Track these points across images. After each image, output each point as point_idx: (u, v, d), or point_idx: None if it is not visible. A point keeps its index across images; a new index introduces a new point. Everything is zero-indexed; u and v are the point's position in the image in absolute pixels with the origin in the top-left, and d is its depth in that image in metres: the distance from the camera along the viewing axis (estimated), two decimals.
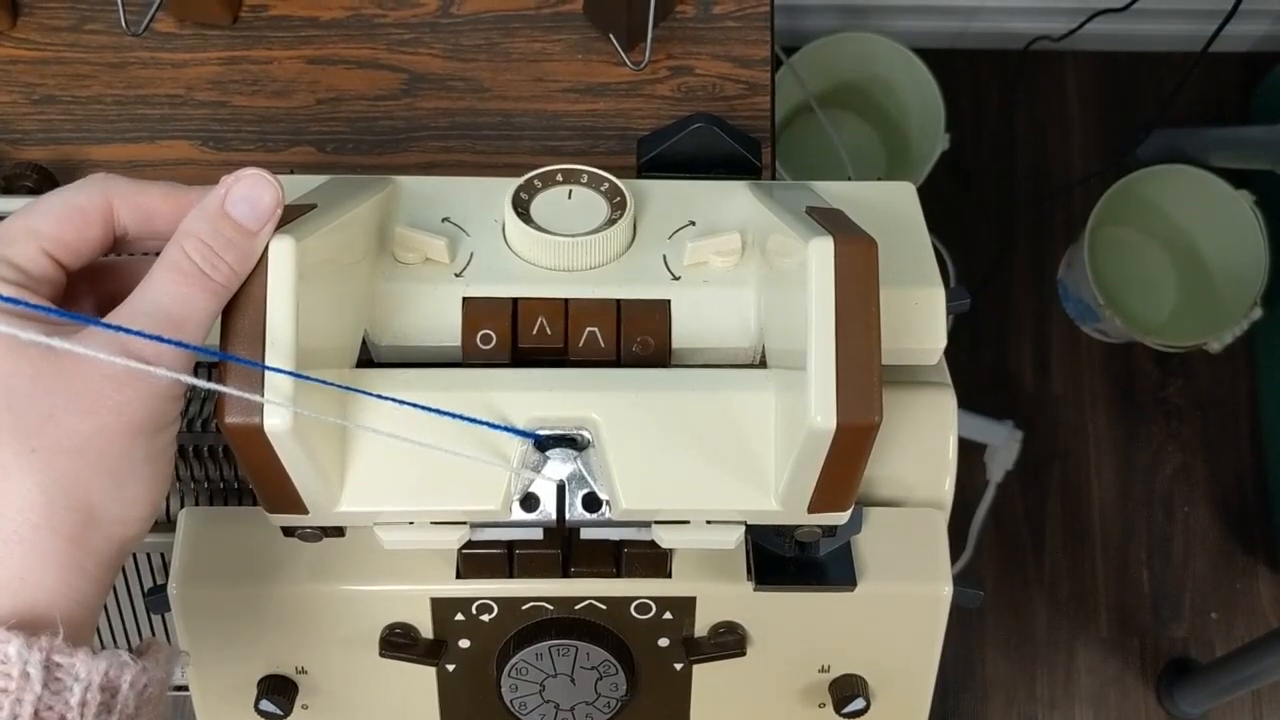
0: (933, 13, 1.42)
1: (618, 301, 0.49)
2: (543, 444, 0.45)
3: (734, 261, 0.50)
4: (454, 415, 0.42)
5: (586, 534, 0.46)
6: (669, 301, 0.49)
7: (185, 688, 0.52)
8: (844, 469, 0.41)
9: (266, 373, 0.38)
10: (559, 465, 0.45)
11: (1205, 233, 1.38)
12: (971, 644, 1.39)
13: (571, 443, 0.45)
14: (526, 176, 0.52)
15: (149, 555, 0.51)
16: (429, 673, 0.50)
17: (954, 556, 1.38)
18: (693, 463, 0.44)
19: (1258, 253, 1.30)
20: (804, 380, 0.39)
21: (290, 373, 0.38)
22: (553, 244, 0.49)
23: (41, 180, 0.57)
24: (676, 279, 0.50)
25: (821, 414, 0.39)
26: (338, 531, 0.46)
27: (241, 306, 0.39)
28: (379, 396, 0.42)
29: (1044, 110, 1.52)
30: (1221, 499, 1.43)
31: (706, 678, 0.50)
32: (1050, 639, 1.39)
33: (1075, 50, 1.50)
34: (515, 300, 0.49)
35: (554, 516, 0.45)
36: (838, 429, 0.39)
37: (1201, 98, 1.51)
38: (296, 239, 0.40)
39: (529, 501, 0.45)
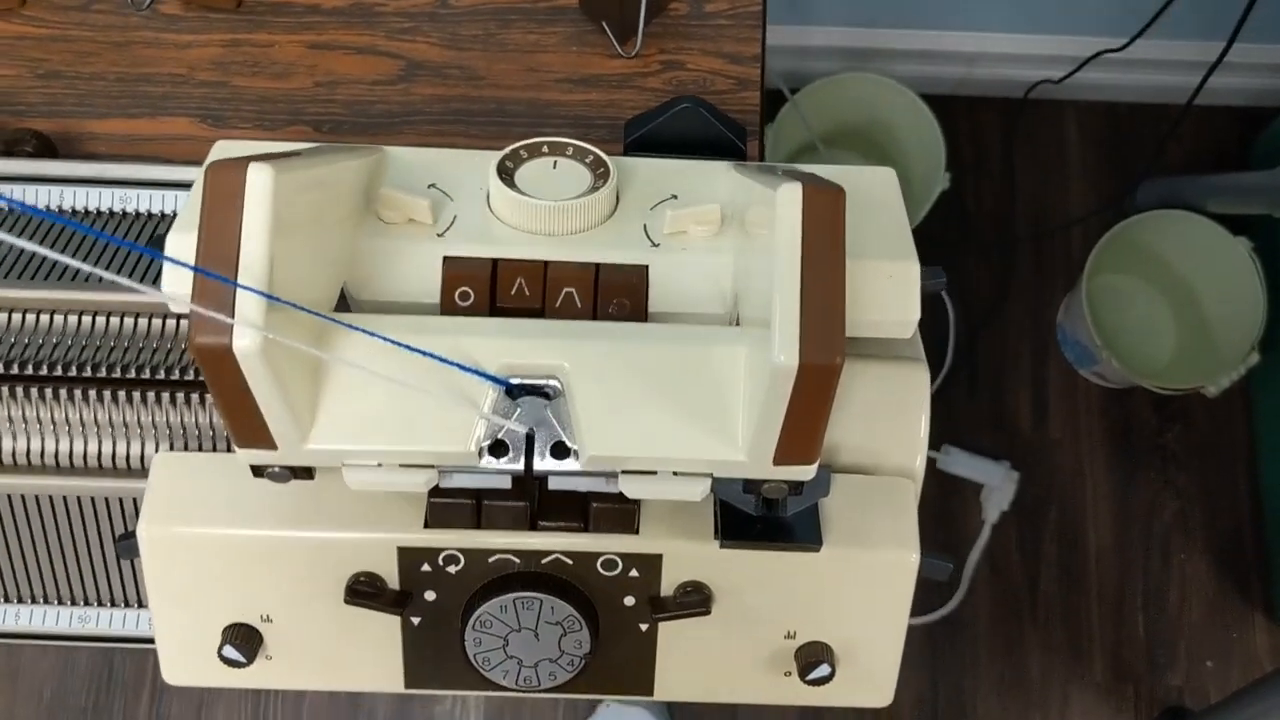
0: (935, 58, 1.44)
1: (596, 265, 0.50)
2: (513, 392, 0.45)
3: (713, 232, 0.51)
4: (426, 354, 0.43)
5: (555, 484, 0.47)
6: (647, 267, 0.50)
7: (150, 640, 0.52)
8: (808, 415, 0.42)
9: (238, 295, 0.39)
10: (529, 414, 0.45)
11: (1203, 279, 1.39)
12: (964, 685, 1.38)
13: (542, 393, 0.46)
14: (513, 146, 0.53)
15: (121, 501, 0.51)
16: (394, 627, 0.50)
17: (947, 596, 1.38)
18: (660, 412, 0.44)
19: (1255, 299, 1.31)
20: (769, 323, 0.40)
21: (260, 292, 0.39)
22: (535, 208, 0.50)
23: (41, 146, 0.59)
24: (656, 246, 0.51)
25: (785, 353, 0.39)
26: (307, 473, 0.46)
27: (215, 231, 0.40)
28: (351, 327, 0.42)
29: (1044, 157, 1.53)
30: (1218, 547, 1.42)
31: (672, 640, 0.50)
32: (1044, 683, 1.38)
33: (1076, 100, 1.52)
34: (495, 261, 0.50)
35: (522, 465, 0.46)
36: (800, 369, 0.39)
37: (1199, 150, 1.52)
38: (276, 171, 0.41)
39: (498, 449, 0.45)
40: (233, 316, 0.38)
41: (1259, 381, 1.40)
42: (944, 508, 1.44)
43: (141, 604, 0.54)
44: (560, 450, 0.46)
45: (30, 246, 0.38)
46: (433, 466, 0.45)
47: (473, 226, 0.51)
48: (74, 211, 0.56)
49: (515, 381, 0.45)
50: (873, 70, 1.39)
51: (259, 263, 0.39)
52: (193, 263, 0.40)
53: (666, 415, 0.44)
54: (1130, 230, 1.35)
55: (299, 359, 0.43)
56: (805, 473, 0.45)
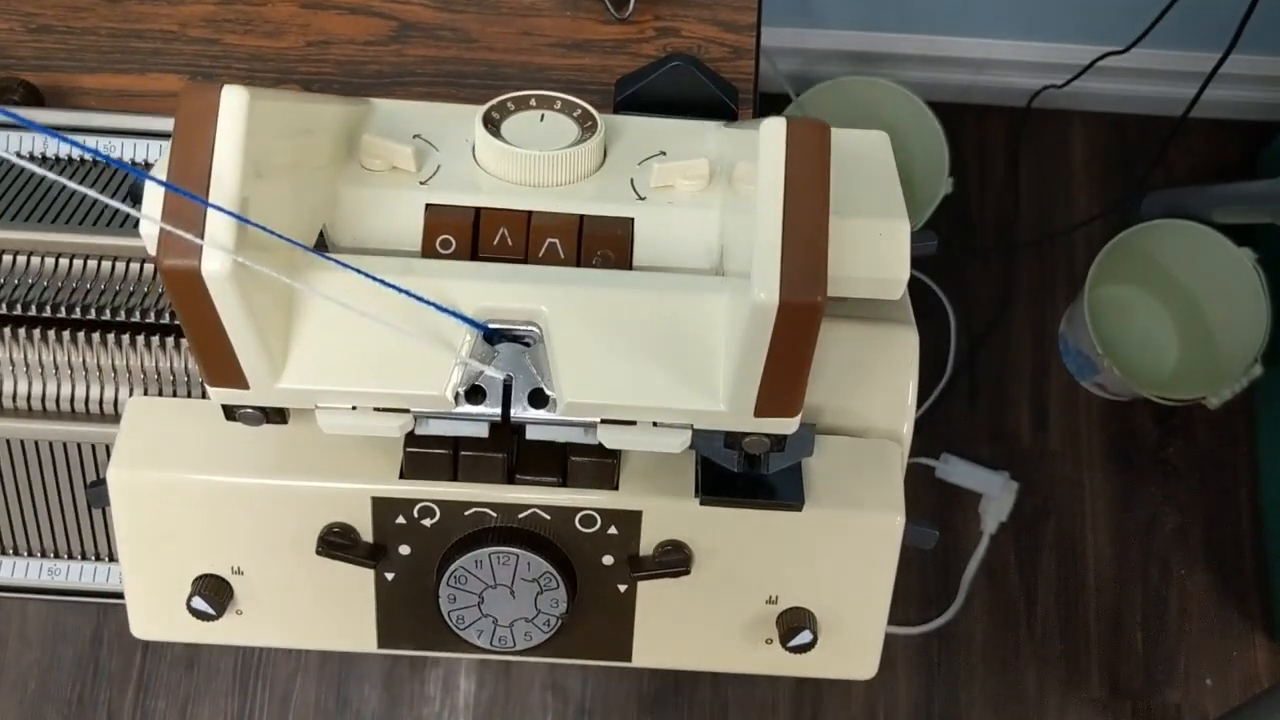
0: (941, 64, 1.44)
1: (581, 216, 0.49)
2: (491, 338, 0.44)
3: (700, 187, 0.50)
4: (403, 291, 0.42)
5: (532, 434, 0.46)
6: (632, 219, 0.49)
7: (119, 595, 0.51)
8: (789, 359, 0.41)
9: (208, 216, 0.38)
10: (507, 361, 0.44)
11: (1206, 290, 1.37)
12: (959, 698, 1.36)
13: (521, 339, 0.45)
14: (500, 99, 0.52)
15: (94, 447, 0.50)
16: (367, 583, 0.49)
17: (944, 606, 1.37)
18: (640, 361, 0.43)
19: (1259, 311, 1.30)
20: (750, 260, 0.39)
21: (231, 213, 0.38)
22: (520, 158, 0.49)
23: (28, 94, 0.58)
24: (642, 199, 0.50)
25: (765, 290, 0.38)
26: (280, 416, 0.45)
27: (187, 150, 0.39)
28: (326, 257, 0.41)
29: (1048, 167, 1.53)
30: (1218, 562, 1.40)
31: (651, 603, 0.49)
32: (1040, 698, 1.36)
33: (1081, 110, 1.52)
34: (478, 209, 0.49)
35: (499, 411, 0.45)
36: (781, 307, 0.38)
37: (1206, 163, 1.52)
38: (251, 96, 0.40)
39: (474, 394, 0.44)
40: (202, 237, 0.38)
41: (1262, 394, 1.38)
42: (942, 517, 1.42)
43: (113, 557, 0.53)
44: (538, 398, 0.45)
45: (27, 165, 0.38)
46: (407, 411, 0.44)
47: (457, 176, 0.50)
48: (57, 160, 0.55)
49: (494, 326, 0.44)
50: (878, 74, 1.38)
51: (231, 184, 0.38)
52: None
53: (646, 364, 0.43)
54: (1133, 239, 1.34)
55: (271, 292, 0.42)
56: (787, 425, 0.44)
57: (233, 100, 0.39)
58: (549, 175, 0.50)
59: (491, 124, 0.51)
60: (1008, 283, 1.48)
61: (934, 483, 1.42)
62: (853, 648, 0.50)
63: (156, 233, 0.41)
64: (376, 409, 0.44)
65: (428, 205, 0.49)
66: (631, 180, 0.51)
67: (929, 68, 1.45)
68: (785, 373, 0.41)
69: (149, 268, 0.50)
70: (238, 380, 0.43)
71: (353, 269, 0.41)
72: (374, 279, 0.41)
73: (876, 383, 0.50)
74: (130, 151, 0.56)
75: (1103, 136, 1.53)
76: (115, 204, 0.37)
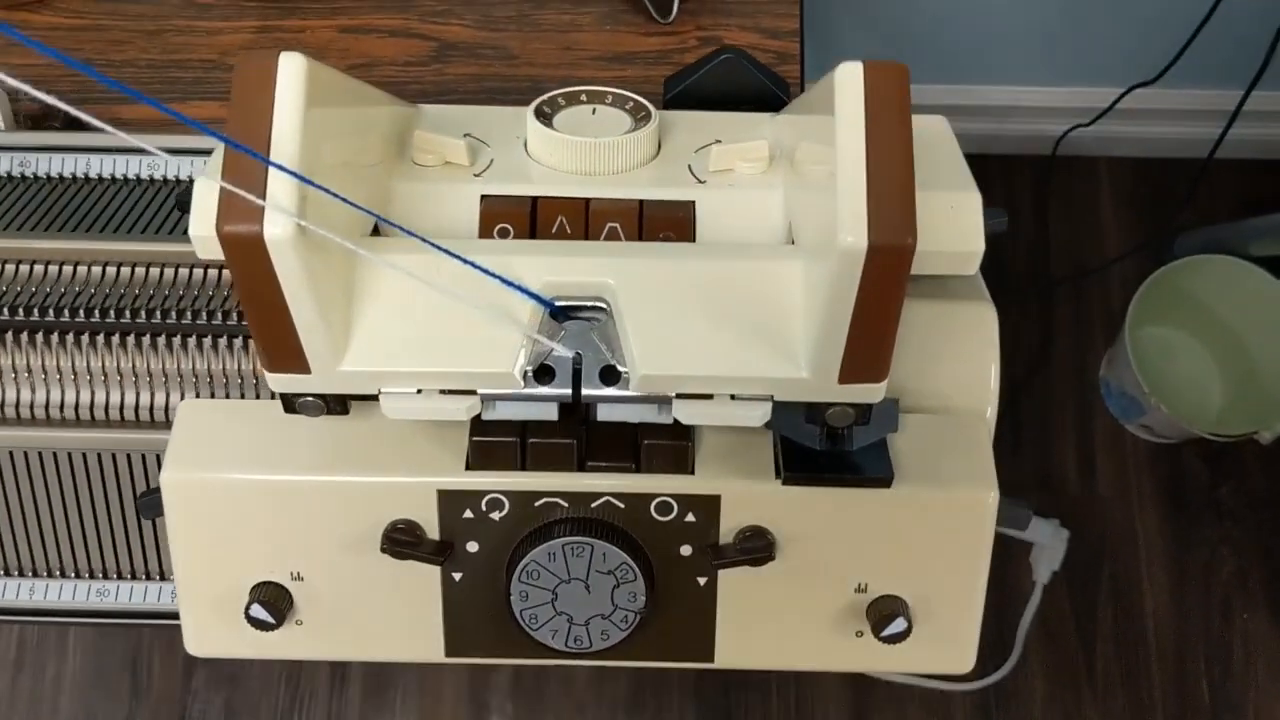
0: (964, 112, 1.44)
1: (640, 201, 0.48)
2: (558, 315, 0.43)
3: (761, 169, 0.49)
4: (469, 262, 0.41)
5: (604, 414, 0.44)
6: (693, 203, 0.48)
7: (174, 615, 0.49)
8: (877, 312, 0.39)
9: (269, 180, 0.37)
10: (575, 339, 0.43)
11: (1248, 324, 1.35)
12: None
13: (588, 315, 0.43)
14: (550, 94, 0.51)
15: (144, 458, 0.48)
16: (433, 585, 0.46)
17: (1000, 660, 1.32)
18: (715, 330, 0.42)
19: None
20: (832, 207, 0.37)
21: (294, 173, 0.36)
22: (575, 146, 0.48)
23: (69, 122, 0.57)
24: (702, 183, 0.49)
25: (852, 233, 0.37)
26: (341, 406, 0.44)
27: (246, 114, 0.38)
28: (390, 224, 0.40)
29: (1078, 214, 1.52)
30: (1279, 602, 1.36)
31: (732, 598, 0.47)
32: None
33: (1107, 155, 1.51)
34: (535, 199, 0.48)
35: (569, 390, 0.43)
36: (870, 250, 0.37)
37: (1235, 205, 1.50)
38: (309, 65, 0.39)
39: (543, 374, 0.43)
40: (264, 198, 0.36)
41: None
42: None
43: (164, 576, 0.51)
44: (610, 375, 0.43)
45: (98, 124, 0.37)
46: (474, 393, 0.42)
47: (511, 168, 0.49)
48: (99, 179, 0.54)
49: (560, 303, 0.43)
50: None
51: (292, 145, 0.37)
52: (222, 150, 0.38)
53: (722, 333, 0.42)
54: (1170, 277, 1.32)
55: (333, 268, 0.40)
56: (873, 393, 0.42)
57: (291, 65, 0.38)
58: (605, 163, 0.49)
59: (543, 116, 0.50)
60: (1046, 328, 1.46)
61: None
62: (948, 639, 0.47)
63: (208, 234, 0.39)
64: (442, 391, 0.42)
65: (483, 196, 0.48)
66: (689, 166, 0.50)
67: (952, 116, 1.44)
68: (872, 329, 0.39)
69: (197, 273, 0.49)
70: (298, 363, 0.41)
71: (418, 237, 0.40)
72: (439, 248, 0.40)
73: (957, 362, 0.48)
74: (175, 169, 0.55)
75: (1131, 181, 1.52)
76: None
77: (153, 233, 0.50)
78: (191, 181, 0.50)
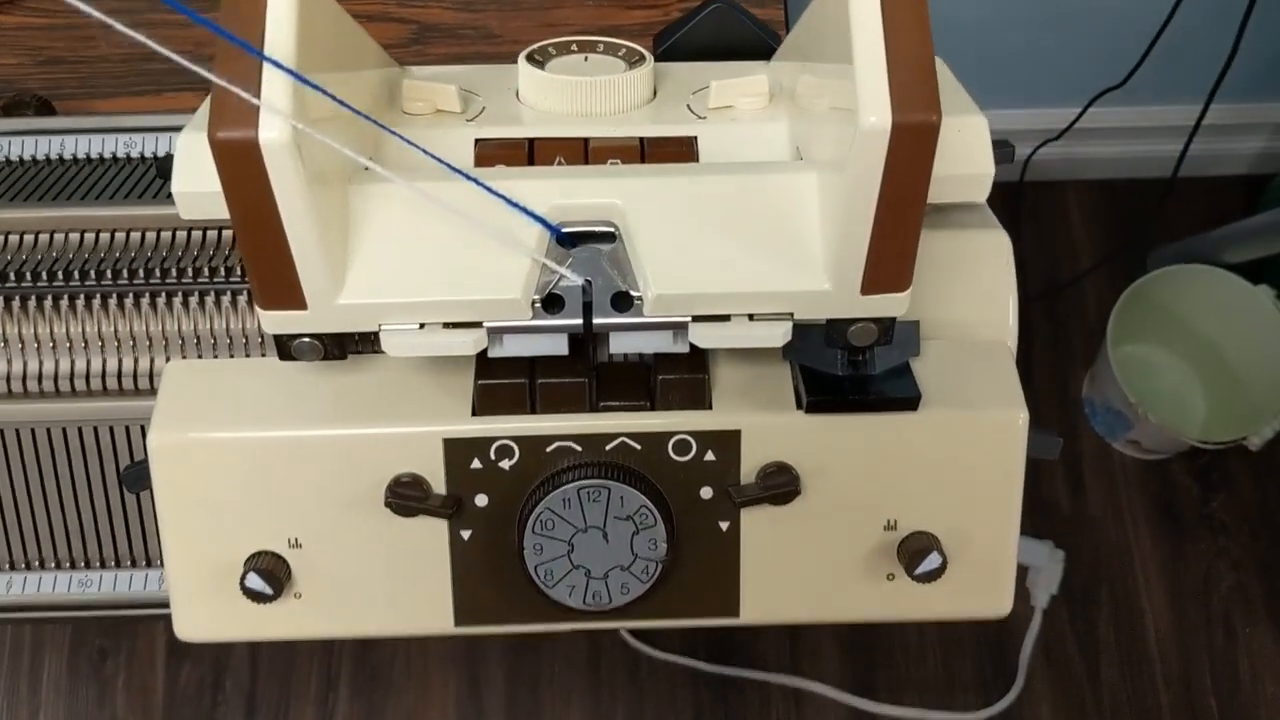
0: None
1: (641, 139, 0.46)
2: (565, 242, 0.41)
3: (761, 104, 0.48)
4: (471, 178, 0.39)
5: (616, 345, 0.42)
6: (695, 137, 0.47)
7: (164, 604, 0.46)
8: (902, 206, 0.37)
9: (265, 84, 0.35)
10: (584, 266, 0.41)
11: (1227, 334, 1.35)
12: None
13: (597, 240, 0.41)
14: (540, 44, 0.50)
15: (128, 430, 0.46)
16: (441, 546, 0.44)
17: (1004, 689, 1.29)
18: (731, 246, 0.40)
19: None
20: (851, 87, 0.36)
21: (291, 71, 0.35)
22: (570, 86, 0.47)
23: (42, 108, 0.56)
24: (702, 119, 0.47)
25: (874, 112, 0.35)
26: (338, 349, 0.41)
27: (237, 18, 0.36)
28: (392, 132, 0.38)
29: (1048, 237, 1.52)
30: None
31: (757, 544, 0.44)
32: None
33: (1075, 180, 1.52)
34: (531, 140, 0.46)
35: (580, 321, 0.41)
36: (894, 129, 0.35)
37: (1209, 222, 1.51)
38: None
39: (552, 305, 0.41)
40: (259, 97, 0.34)
41: None
42: None
43: (151, 562, 0.48)
44: (622, 302, 0.41)
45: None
46: (480, 325, 0.40)
47: (504, 114, 0.48)
48: (75, 160, 0.52)
49: (567, 230, 0.41)
50: None
51: (287, 43, 0.35)
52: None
53: (738, 249, 0.40)
54: (1147, 290, 1.32)
55: (331, 195, 0.38)
56: (897, 304, 0.40)
57: None
58: (601, 103, 0.47)
59: (535, 63, 0.48)
60: (1024, 352, 1.45)
61: None
62: (983, 578, 0.45)
63: (191, 189, 0.38)
64: (446, 325, 0.40)
65: (477, 140, 0.46)
66: (688, 105, 0.48)
67: None
68: (897, 225, 0.38)
69: (180, 235, 0.47)
70: (294, 297, 0.39)
71: (419, 147, 0.38)
72: (442, 162, 0.38)
73: (974, 289, 0.46)
74: (154, 146, 0.53)
75: (1100, 201, 1.53)
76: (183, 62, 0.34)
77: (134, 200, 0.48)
78: (169, 158, 0.48)
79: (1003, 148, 0.47)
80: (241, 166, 0.35)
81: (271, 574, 0.43)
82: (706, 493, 0.43)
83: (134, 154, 0.52)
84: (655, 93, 0.49)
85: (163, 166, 0.46)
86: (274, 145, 0.35)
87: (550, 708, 1.31)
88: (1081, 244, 1.52)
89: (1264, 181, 1.49)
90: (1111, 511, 1.39)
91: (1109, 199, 1.54)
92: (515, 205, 0.39)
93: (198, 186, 0.40)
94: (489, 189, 0.39)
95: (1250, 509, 1.39)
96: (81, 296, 0.44)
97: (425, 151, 0.38)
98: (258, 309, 0.39)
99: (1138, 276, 1.40)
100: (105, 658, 1.28)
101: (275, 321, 0.39)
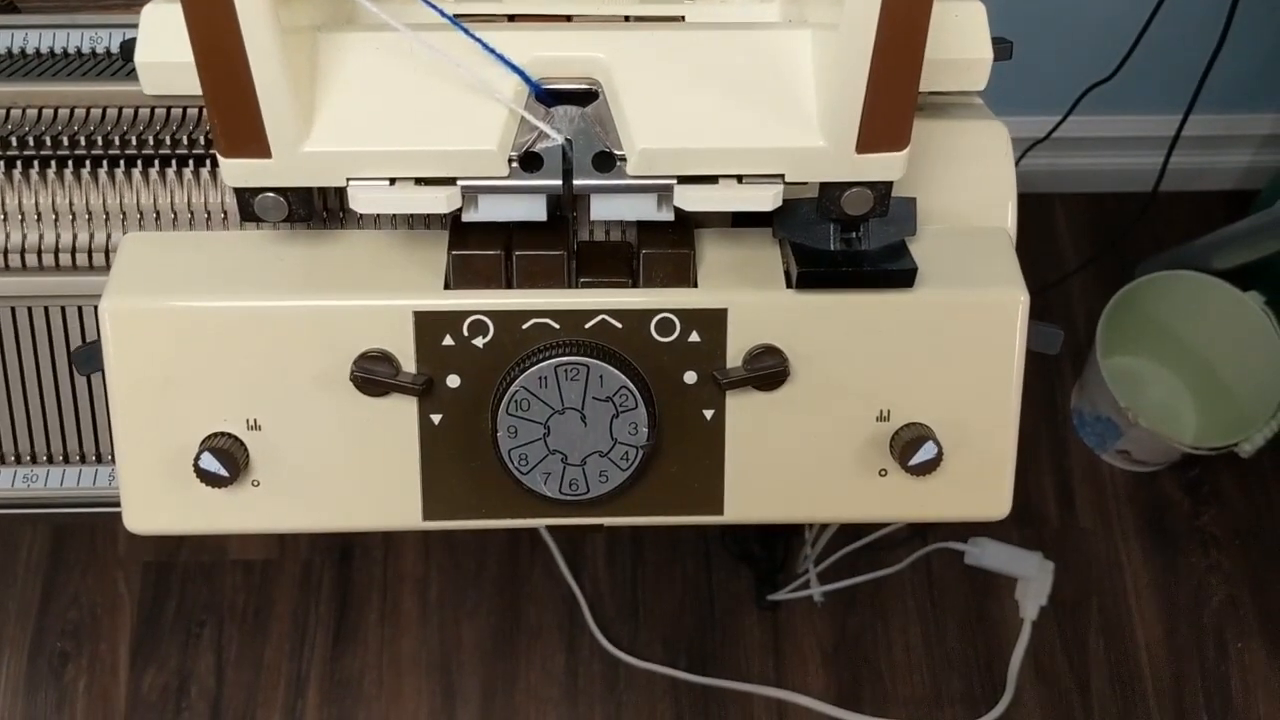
0: None
1: (625, 16, 0.45)
2: (545, 99, 0.39)
3: None
4: (450, 18, 0.37)
5: (598, 210, 0.40)
6: (683, 16, 0.45)
7: (114, 503, 0.43)
8: (901, 52, 0.35)
9: None
10: (565, 126, 0.39)
11: (1215, 341, 1.33)
12: None
13: (579, 99, 0.39)
14: None
15: (80, 309, 0.43)
16: (409, 431, 0.41)
17: (992, 701, 1.26)
18: (720, 102, 0.38)
19: (1275, 355, 1.26)
20: None
21: None
22: None
23: (5, 8, 0.54)
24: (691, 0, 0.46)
25: None
26: (305, 209, 0.39)
27: None
28: None
29: (1036, 251, 1.51)
30: (1274, 630, 1.31)
31: (743, 434, 0.42)
32: None
33: (1061, 193, 1.52)
34: (510, 16, 0.44)
35: (559, 181, 0.39)
36: None
37: (1191, 235, 1.51)
38: None
39: (531, 163, 0.39)
40: None
41: None
42: (978, 609, 1.33)
43: (101, 458, 0.45)
44: (604, 163, 0.39)
45: None
46: (454, 182, 0.38)
47: None
48: (38, 54, 0.50)
49: (548, 86, 0.39)
50: None
51: None
52: None
53: (728, 104, 0.38)
54: (1136, 297, 1.31)
55: (301, 37, 0.36)
56: (894, 166, 0.38)
57: None
58: None
59: None
60: None
61: (964, 570, 1.33)
62: (980, 476, 0.43)
63: (154, 60, 0.36)
64: (418, 181, 0.38)
65: (457, 15, 0.44)
66: None
67: None
68: (894, 74, 0.36)
69: (143, 112, 0.45)
70: (258, 142, 0.37)
71: None
72: (428, 3, 0.36)
73: (973, 175, 0.45)
74: (119, 39, 0.51)
75: (1087, 214, 1.52)
76: None
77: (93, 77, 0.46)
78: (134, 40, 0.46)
79: (1001, 43, 0.46)
80: None
81: (228, 455, 0.40)
82: (690, 377, 0.41)
83: (99, 49, 0.50)
84: None
85: (126, 48, 0.45)
86: None
87: (526, 719, 1.27)
88: (1068, 256, 1.51)
89: (1251, 197, 1.49)
90: (1101, 524, 1.37)
91: (1096, 212, 1.53)
92: (495, 54, 0.38)
93: (162, 57, 0.38)
94: (468, 32, 0.37)
95: (1241, 522, 1.36)
96: (35, 164, 0.42)
97: None
98: (220, 160, 0.37)
99: (1125, 274, 1.39)
100: (66, 661, 1.24)
101: (238, 172, 0.37)
